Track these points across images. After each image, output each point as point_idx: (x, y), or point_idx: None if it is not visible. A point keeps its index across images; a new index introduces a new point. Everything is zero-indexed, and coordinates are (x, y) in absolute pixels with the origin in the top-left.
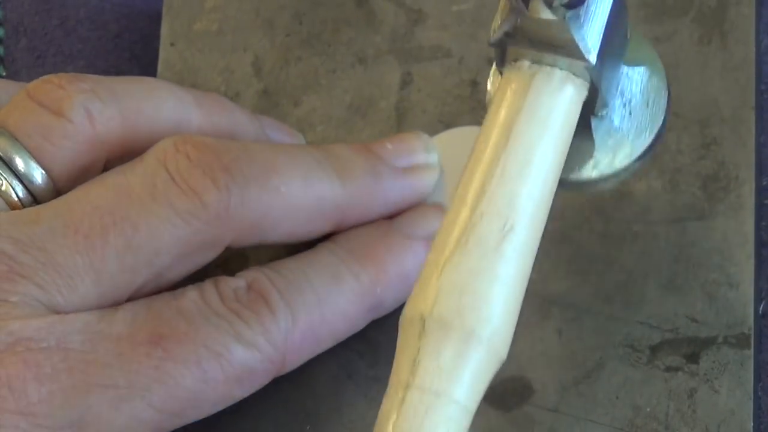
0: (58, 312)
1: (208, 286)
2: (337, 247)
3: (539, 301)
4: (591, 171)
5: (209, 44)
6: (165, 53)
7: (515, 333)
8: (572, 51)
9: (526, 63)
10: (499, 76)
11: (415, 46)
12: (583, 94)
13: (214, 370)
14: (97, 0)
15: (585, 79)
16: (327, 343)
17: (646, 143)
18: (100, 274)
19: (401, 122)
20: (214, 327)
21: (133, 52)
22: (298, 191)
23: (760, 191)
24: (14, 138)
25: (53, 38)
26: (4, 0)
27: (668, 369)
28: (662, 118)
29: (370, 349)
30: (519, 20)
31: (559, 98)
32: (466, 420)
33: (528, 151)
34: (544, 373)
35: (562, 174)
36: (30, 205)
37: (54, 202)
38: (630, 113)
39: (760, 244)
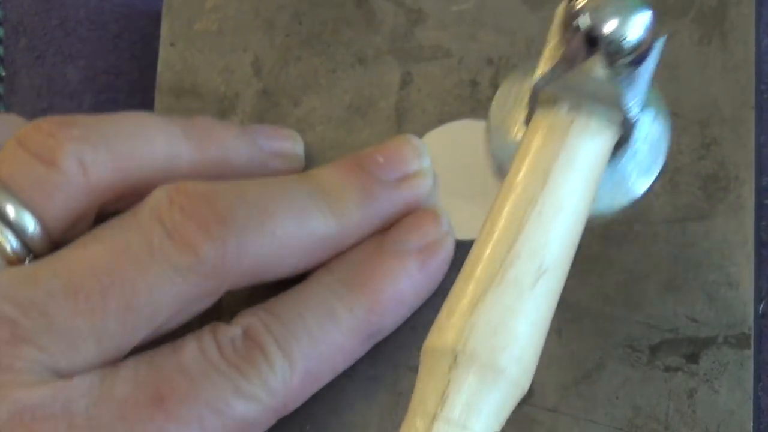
0: (61, 375)
1: (206, 337)
2: (330, 278)
3: None
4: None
5: (209, 44)
6: (165, 53)
7: None
8: (617, 104)
9: (564, 108)
10: (515, 104)
11: (415, 46)
12: (615, 139)
13: (216, 426)
14: (97, 0)
15: (619, 127)
16: (328, 378)
17: (647, 184)
18: (102, 335)
19: (401, 122)
20: (214, 383)
21: (133, 52)
22: (293, 233)
23: (760, 191)
24: (6, 188)
25: (53, 38)
26: (4, 0)
27: (668, 369)
28: (663, 160)
29: (370, 349)
30: (571, 73)
31: (595, 145)
32: None
33: (564, 196)
34: (544, 373)
35: None
36: (24, 256)
37: (51, 260)
38: (635, 154)
39: (760, 244)
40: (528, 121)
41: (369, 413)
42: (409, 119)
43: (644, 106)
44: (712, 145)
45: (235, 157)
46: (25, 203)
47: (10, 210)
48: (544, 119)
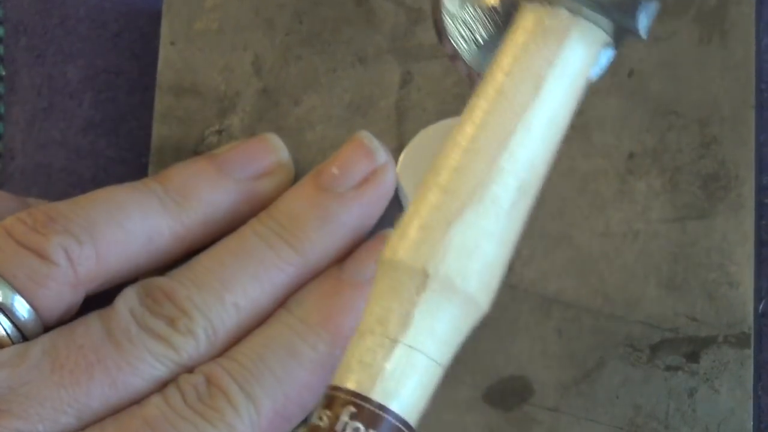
0: None
1: (170, 387)
2: (289, 317)
3: (539, 301)
4: None
5: (209, 43)
6: (165, 52)
7: (515, 333)
8: (628, 23)
9: (563, 10)
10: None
11: (415, 45)
12: (602, 53)
13: None
14: (97, 0)
15: (613, 37)
16: (299, 417)
17: None
18: (83, 409)
19: (401, 121)
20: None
21: (133, 52)
22: (258, 296)
23: (760, 190)
24: (1, 277)
25: (53, 37)
26: (4, 0)
27: (668, 368)
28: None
29: None
30: None
31: (590, 54)
32: (438, 378)
33: (555, 109)
34: (544, 373)
35: None
36: (18, 340)
37: (41, 340)
38: None
39: (760, 243)
40: (509, 4)
41: None
42: (409, 118)
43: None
44: (712, 144)
45: (216, 211)
46: (20, 291)
47: (7, 298)
48: (538, 18)
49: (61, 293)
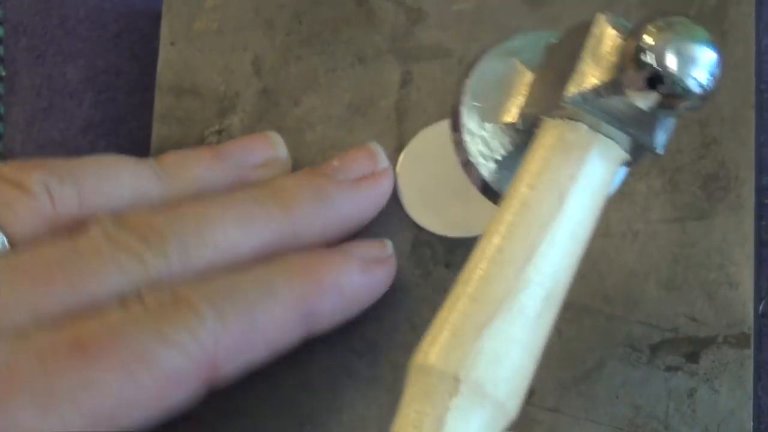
0: None
1: (131, 297)
2: (270, 264)
3: None
4: None
5: (209, 44)
6: (165, 53)
7: None
8: (648, 137)
9: (584, 126)
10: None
11: (415, 46)
12: (622, 167)
13: (140, 373)
14: (97, 0)
15: (631, 153)
16: (262, 352)
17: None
18: (40, 311)
19: (401, 121)
20: (139, 332)
21: (133, 52)
22: (237, 240)
23: (759, 191)
24: None
25: (53, 38)
26: (4, 0)
27: (668, 369)
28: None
29: (370, 349)
30: (612, 97)
31: (610, 169)
32: None
33: (579, 221)
34: (544, 373)
35: None
36: None
37: (4, 251)
38: None
39: (760, 243)
40: (527, 119)
41: (369, 413)
42: (409, 118)
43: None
44: (712, 144)
45: (208, 188)
46: None
47: None
48: (560, 133)
49: (36, 225)
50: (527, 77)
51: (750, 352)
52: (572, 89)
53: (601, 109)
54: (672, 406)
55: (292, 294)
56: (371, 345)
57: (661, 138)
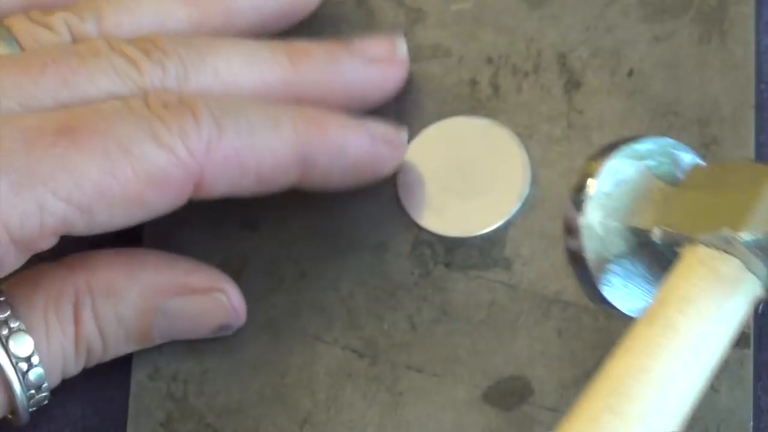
0: None
1: (135, 95)
2: (286, 106)
3: (539, 301)
4: None
5: None
6: None
7: (515, 333)
8: None
9: (738, 262)
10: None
11: (415, 45)
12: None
13: (122, 165)
14: None
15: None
16: (251, 177)
17: None
18: (29, 98)
19: (401, 121)
20: (130, 125)
21: None
22: (239, 72)
23: None
24: (10, 32)
25: None
26: None
27: None
28: None
29: (370, 349)
30: None
31: (750, 307)
32: None
33: (715, 353)
34: (544, 373)
35: None
36: None
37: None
38: None
39: None
40: (670, 236)
41: (369, 413)
42: (409, 118)
43: None
44: (712, 144)
45: (240, 19)
46: (20, 45)
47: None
48: (713, 264)
49: None
50: (657, 186)
51: (750, 351)
52: (747, 234)
53: (765, 253)
54: None
55: (295, 134)
56: (371, 345)
57: None
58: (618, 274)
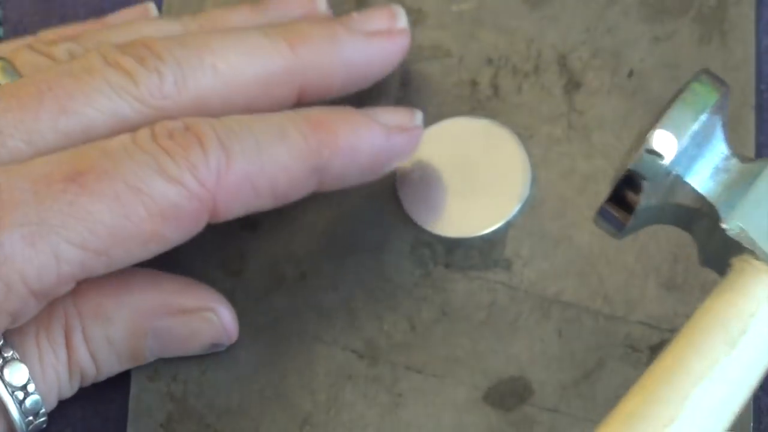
0: None
1: (143, 128)
2: (292, 113)
3: (539, 301)
4: None
5: None
6: None
7: (515, 333)
8: None
9: None
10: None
11: (415, 46)
12: None
13: (134, 205)
14: (98, 0)
15: None
16: (266, 197)
17: None
18: (33, 134)
19: None
20: (137, 163)
21: None
22: (240, 66)
23: None
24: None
25: None
26: (4, 0)
27: None
28: None
29: (370, 350)
30: None
31: None
32: None
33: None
34: (544, 373)
35: None
36: None
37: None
38: None
39: None
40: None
41: (369, 413)
42: None
43: None
44: None
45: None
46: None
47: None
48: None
49: None
50: None
51: None
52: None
53: None
54: None
55: (305, 144)
56: (371, 345)
57: None
58: None
